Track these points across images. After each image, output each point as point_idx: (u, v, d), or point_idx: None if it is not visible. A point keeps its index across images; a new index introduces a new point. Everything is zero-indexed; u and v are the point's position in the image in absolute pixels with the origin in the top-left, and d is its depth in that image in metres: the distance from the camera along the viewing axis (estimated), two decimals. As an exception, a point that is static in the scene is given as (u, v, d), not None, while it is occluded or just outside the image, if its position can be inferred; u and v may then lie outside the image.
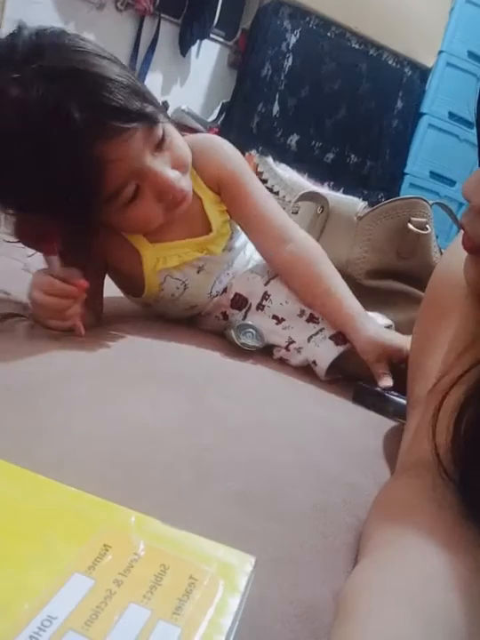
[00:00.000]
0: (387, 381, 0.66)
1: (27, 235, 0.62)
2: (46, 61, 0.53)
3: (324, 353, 0.70)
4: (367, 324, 0.70)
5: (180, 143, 0.66)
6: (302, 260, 0.73)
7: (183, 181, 0.65)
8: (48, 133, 0.53)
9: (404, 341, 0.68)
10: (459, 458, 0.33)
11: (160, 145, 0.62)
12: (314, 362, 0.71)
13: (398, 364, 0.67)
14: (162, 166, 0.62)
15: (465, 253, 0.38)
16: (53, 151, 0.53)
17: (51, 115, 0.52)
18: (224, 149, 0.75)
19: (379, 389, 0.67)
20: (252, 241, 0.78)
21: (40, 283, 0.60)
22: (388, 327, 0.76)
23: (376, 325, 0.71)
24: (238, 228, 0.78)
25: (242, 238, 0.81)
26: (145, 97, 0.60)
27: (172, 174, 0.63)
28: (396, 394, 0.66)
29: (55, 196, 0.57)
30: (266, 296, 0.75)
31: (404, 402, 0.61)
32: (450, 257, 0.51)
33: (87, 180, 0.56)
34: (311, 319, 0.73)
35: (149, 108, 0.59)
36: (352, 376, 0.72)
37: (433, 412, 0.35)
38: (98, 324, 0.69)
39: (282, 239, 0.74)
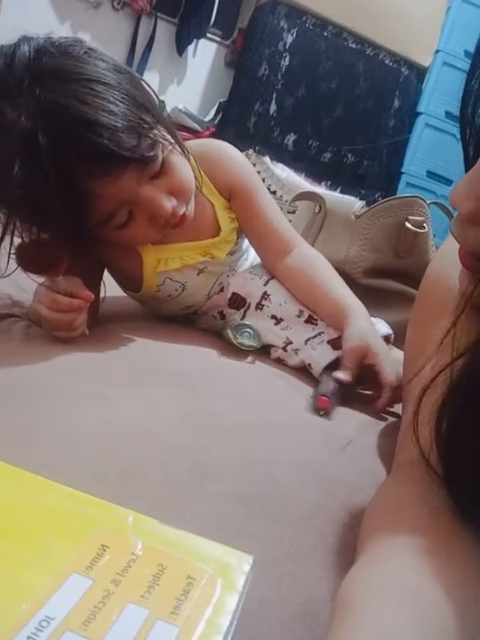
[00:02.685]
0: (345, 375, 0.64)
1: (31, 264, 0.60)
2: (39, 95, 0.52)
3: (320, 356, 0.70)
4: (363, 321, 0.69)
5: (181, 170, 0.64)
6: (303, 268, 0.74)
7: (180, 209, 0.63)
8: (36, 166, 0.52)
9: (385, 351, 0.67)
10: (443, 455, 0.33)
11: (156, 175, 0.61)
12: (309, 364, 0.71)
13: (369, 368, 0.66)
14: (155, 193, 0.60)
15: (457, 254, 0.38)
16: (40, 182, 0.53)
17: (39, 151, 0.52)
18: (235, 158, 0.75)
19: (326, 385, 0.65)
20: (256, 250, 0.80)
21: (44, 299, 0.59)
22: (388, 336, 0.76)
23: (370, 327, 0.70)
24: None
25: (246, 242, 0.81)
26: (144, 130, 0.57)
27: (167, 203, 0.61)
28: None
29: (45, 221, 0.57)
30: (265, 296, 0.75)
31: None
32: (441, 258, 0.51)
33: (75, 211, 0.56)
34: (309, 320, 0.73)
35: (146, 144, 0.57)
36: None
37: (414, 410, 0.35)
38: (94, 323, 0.69)
39: (285, 250, 0.76)
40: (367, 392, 0.70)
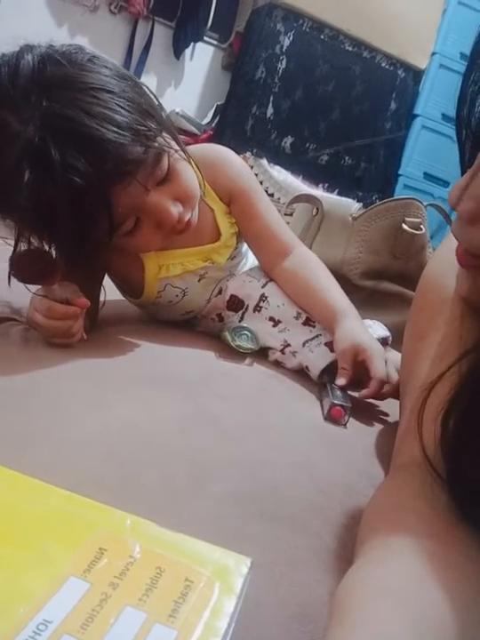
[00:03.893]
0: (341, 380, 0.65)
1: (26, 273, 0.59)
2: (45, 107, 0.51)
3: (317, 359, 0.70)
4: (352, 320, 0.69)
5: (187, 176, 0.64)
6: (299, 271, 0.75)
7: (186, 215, 0.63)
8: (44, 178, 0.51)
9: (375, 346, 0.67)
10: (447, 455, 0.33)
11: (162, 182, 0.60)
12: (307, 367, 0.71)
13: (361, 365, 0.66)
14: (162, 199, 0.60)
15: (453, 256, 0.38)
16: (50, 193, 0.52)
17: (49, 163, 0.51)
18: (234, 163, 0.76)
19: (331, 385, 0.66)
20: (254, 252, 0.80)
21: (40, 307, 0.59)
22: (385, 338, 0.76)
23: (360, 325, 0.70)
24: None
25: (245, 246, 0.82)
26: (150, 138, 0.56)
27: (174, 209, 0.61)
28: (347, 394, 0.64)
29: (54, 230, 0.57)
30: (263, 298, 0.75)
31: (342, 404, 0.60)
32: (438, 259, 0.51)
33: (83, 221, 0.56)
34: (307, 323, 0.73)
35: (152, 153, 0.57)
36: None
37: (417, 411, 0.35)
38: (93, 327, 0.69)
39: (283, 252, 0.76)
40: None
